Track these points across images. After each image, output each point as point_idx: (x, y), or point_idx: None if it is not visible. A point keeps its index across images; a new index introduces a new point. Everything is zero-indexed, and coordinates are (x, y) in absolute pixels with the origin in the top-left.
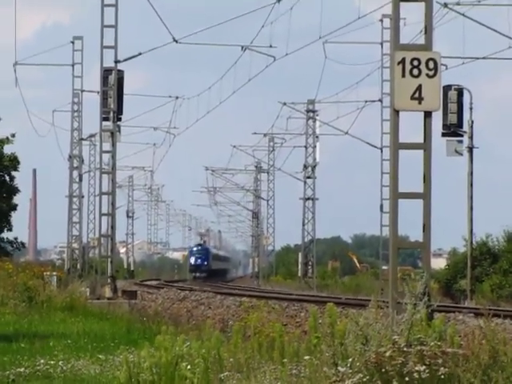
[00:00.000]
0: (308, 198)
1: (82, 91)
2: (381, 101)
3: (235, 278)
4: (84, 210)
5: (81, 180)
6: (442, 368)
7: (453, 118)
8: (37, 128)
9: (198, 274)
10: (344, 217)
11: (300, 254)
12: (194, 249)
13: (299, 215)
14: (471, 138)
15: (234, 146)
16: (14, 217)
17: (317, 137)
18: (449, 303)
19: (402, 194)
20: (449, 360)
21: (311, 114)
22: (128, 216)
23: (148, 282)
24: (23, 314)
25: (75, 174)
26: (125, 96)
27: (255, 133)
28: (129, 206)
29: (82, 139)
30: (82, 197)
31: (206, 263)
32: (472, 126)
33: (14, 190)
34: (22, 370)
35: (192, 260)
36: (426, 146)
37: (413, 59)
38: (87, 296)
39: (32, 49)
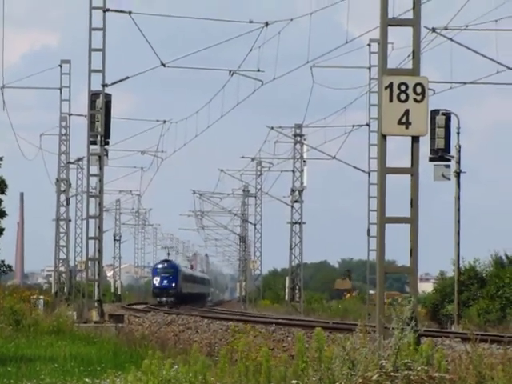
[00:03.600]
0: (295, 222)
1: (70, 115)
2: (368, 125)
3: (218, 303)
4: (71, 233)
5: (68, 203)
6: None
7: (440, 143)
8: (24, 151)
9: (164, 299)
10: (331, 241)
11: (287, 278)
12: (159, 266)
13: (286, 239)
14: (459, 162)
15: (222, 170)
16: (1, 240)
17: (304, 161)
18: (436, 328)
19: (389, 218)
20: None
21: (299, 139)
22: (115, 239)
23: (135, 306)
24: (10, 337)
25: (62, 197)
26: (112, 120)
27: (243, 157)
28: (116, 230)
29: (70, 163)
30: (69, 220)
31: (173, 285)
32: (460, 151)
33: (1, 214)
34: None
35: (156, 281)
36: (413, 170)
37: (400, 84)
38: (74, 320)
39: (20, 72)
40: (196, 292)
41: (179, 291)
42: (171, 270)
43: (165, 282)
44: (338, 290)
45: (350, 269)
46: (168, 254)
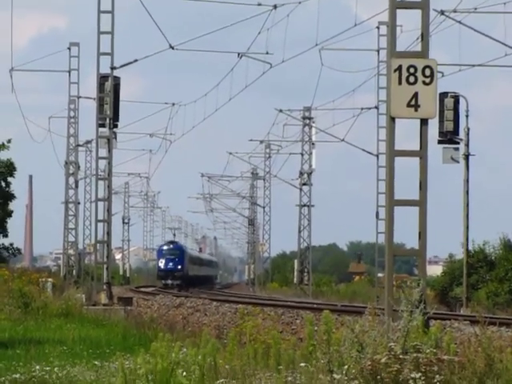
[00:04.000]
0: (304, 205)
1: (79, 97)
2: (377, 108)
3: (227, 285)
4: (80, 216)
5: (77, 186)
6: (437, 375)
7: (449, 126)
8: (33, 134)
9: (169, 282)
10: (340, 224)
11: (296, 261)
12: (165, 248)
13: (295, 222)
14: (467, 145)
15: (231, 153)
16: (10, 223)
17: (313, 144)
18: (444, 311)
19: (397, 201)
20: (444, 367)
21: (307, 121)
22: (124, 222)
23: (143, 289)
24: (19, 320)
25: (71, 180)
26: (121, 102)
27: (251, 139)
28: (125, 213)
29: (79, 145)
30: (78, 203)
31: (179, 267)
32: (468, 134)
33: (10, 196)
34: (18, 376)
35: (162, 263)
36: (422, 153)
37: (409, 66)
38: (83, 302)
39: (28, 55)
40: (203, 274)
41: (185, 273)
42: (177, 251)
43: (170, 264)
44: (352, 272)
45: (360, 252)
46: (174, 234)
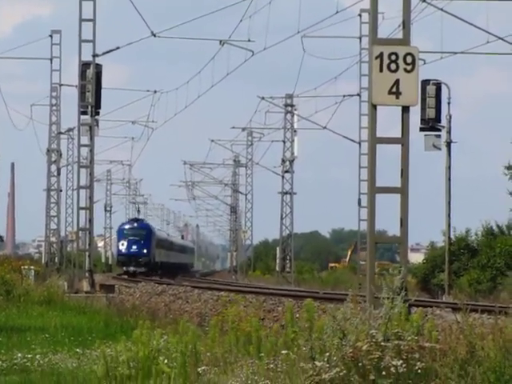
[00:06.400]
0: (286, 193)
1: (61, 85)
2: (359, 95)
3: (209, 273)
4: (62, 203)
5: (59, 174)
6: (418, 363)
7: (431, 113)
8: (15, 122)
9: (131, 269)
10: (322, 211)
11: (278, 249)
12: (127, 227)
13: (277, 209)
14: (449, 132)
15: (213, 140)
16: None
17: (295, 131)
18: (426, 298)
19: (379, 188)
20: (426, 355)
21: (289, 109)
22: (106, 210)
23: (125, 276)
24: (0, 307)
25: (53, 167)
26: (103, 90)
27: (233, 127)
28: (107, 200)
29: (61, 133)
30: (60, 191)
31: (145, 251)
32: (450, 121)
33: None
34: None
35: (123, 245)
36: (403, 140)
37: (391, 54)
38: (65, 290)
39: (11, 42)
40: (174, 262)
41: (152, 260)
42: (142, 231)
43: (134, 247)
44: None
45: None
46: (138, 211)
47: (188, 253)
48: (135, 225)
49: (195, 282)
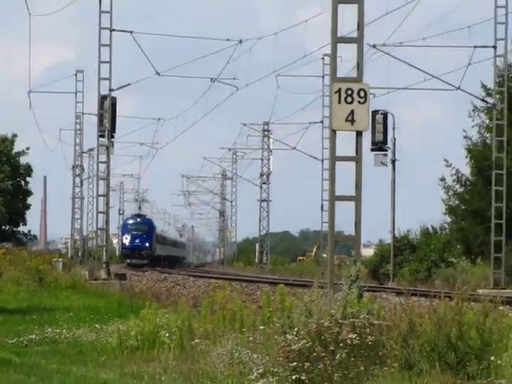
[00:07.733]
0: (263, 200)
1: (83, 114)
2: (322, 122)
3: (202, 265)
4: (84, 208)
5: (82, 185)
6: (369, 336)
7: (379, 137)
8: (47, 143)
9: (134, 261)
10: (292, 215)
11: (257, 245)
12: (130, 222)
13: (256, 214)
14: (394, 152)
15: (205, 158)
16: (28, 214)
17: (271, 151)
18: (376, 284)
19: (338, 197)
20: (375, 330)
21: (266, 133)
22: (119, 213)
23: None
24: (35, 291)
25: (77, 180)
26: (117, 118)
27: (222, 147)
28: (120, 206)
29: (83, 152)
30: (83, 198)
31: (148, 245)
32: (395, 143)
33: (28, 193)
34: (34, 336)
35: (126, 239)
36: (357, 158)
37: (347, 89)
38: (86, 278)
39: (43, 79)
40: (170, 255)
41: (153, 253)
42: (145, 226)
43: (137, 241)
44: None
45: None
46: (139, 207)
47: (181, 247)
48: (138, 220)
49: (191, 271)
